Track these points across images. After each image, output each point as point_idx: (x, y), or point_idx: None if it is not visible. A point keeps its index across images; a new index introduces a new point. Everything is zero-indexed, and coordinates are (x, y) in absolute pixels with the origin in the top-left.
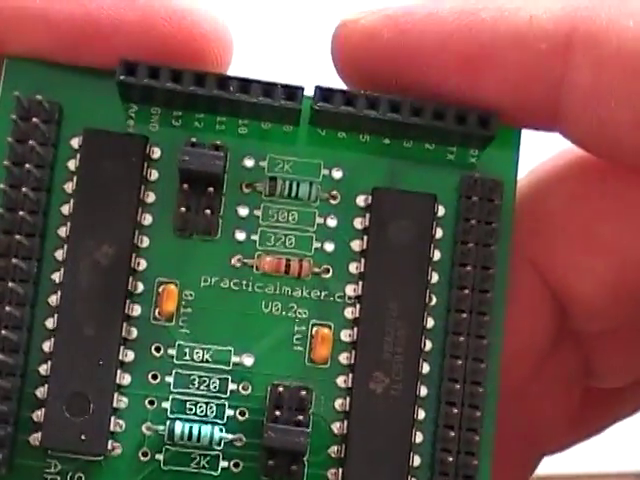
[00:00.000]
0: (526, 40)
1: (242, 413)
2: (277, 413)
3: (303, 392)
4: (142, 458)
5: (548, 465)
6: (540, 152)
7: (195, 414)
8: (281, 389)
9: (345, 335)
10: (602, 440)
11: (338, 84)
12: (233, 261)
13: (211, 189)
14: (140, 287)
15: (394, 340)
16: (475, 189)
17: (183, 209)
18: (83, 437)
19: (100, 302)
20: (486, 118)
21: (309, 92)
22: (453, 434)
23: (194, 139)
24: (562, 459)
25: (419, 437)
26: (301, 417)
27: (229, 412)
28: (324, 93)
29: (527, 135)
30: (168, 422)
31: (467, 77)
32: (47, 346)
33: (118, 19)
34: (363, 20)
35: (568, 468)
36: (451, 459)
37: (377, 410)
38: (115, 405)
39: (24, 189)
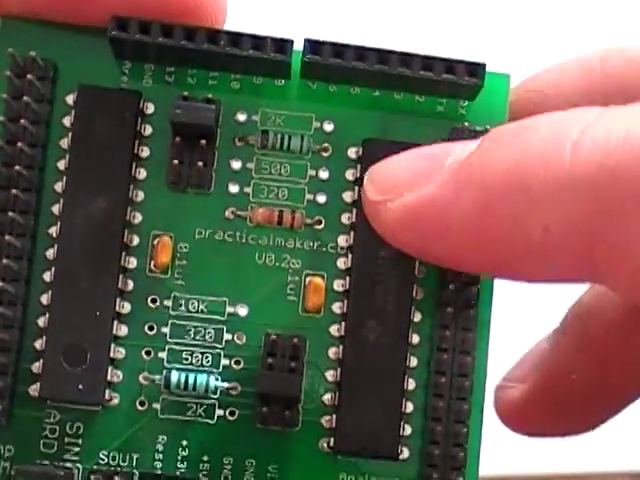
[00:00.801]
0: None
1: (237, 362)
2: (271, 360)
3: (296, 339)
4: (139, 407)
5: (548, 465)
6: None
7: (191, 364)
8: (274, 337)
9: (338, 285)
10: (599, 439)
11: (327, 37)
12: (227, 213)
13: (203, 142)
14: (135, 240)
15: (386, 288)
16: (463, 139)
17: (176, 162)
18: (81, 387)
19: (96, 255)
20: (474, 68)
21: (299, 45)
22: (444, 380)
23: (186, 93)
24: (561, 459)
25: (411, 384)
26: (294, 364)
27: (224, 361)
28: (313, 45)
29: (515, 80)
30: (164, 372)
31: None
32: (45, 299)
33: None
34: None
35: (566, 468)
36: (443, 404)
37: (370, 358)
38: (112, 356)
39: (20, 145)
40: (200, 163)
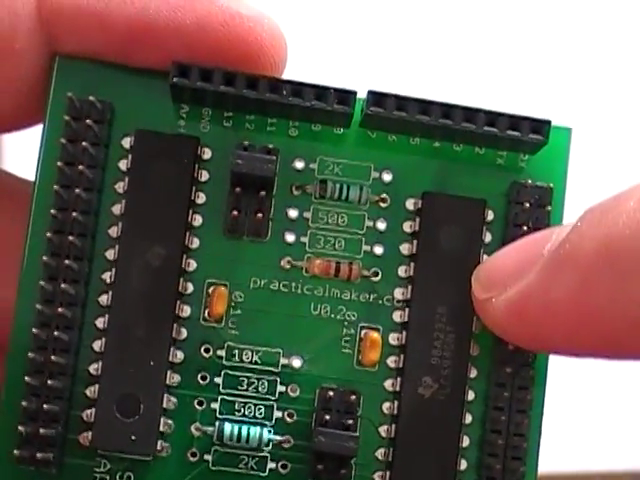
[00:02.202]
0: None
1: (290, 415)
2: (326, 417)
3: (352, 396)
4: (191, 458)
5: (548, 465)
6: (591, 157)
7: (244, 415)
8: (330, 393)
9: (393, 339)
10: (599, 439)
11: (390, 87)
12: (282, 263)
13: (263, 192)
14: (190, 288)
15: (442, 345)
16: (525, 195)
17: (235, 212)
18: (133, 437)
19: (150, 302)
20: (539, 125)
21: (361, 95)
22: (500, 439)
23: (246, 142)
24: (561, 459)
25: (466, 441)
26: (350, 421)
27: (277, 414)
28: (376, 97)
29: (577, 140)
30: (217, 423)
31: None
32: (98, 346)
33: (174, 21)
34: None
35: (567, 468)
36: (498, 464)
37: (425, 414)
38: (165, 405)
39: (76, 190)
40: (259, 214)
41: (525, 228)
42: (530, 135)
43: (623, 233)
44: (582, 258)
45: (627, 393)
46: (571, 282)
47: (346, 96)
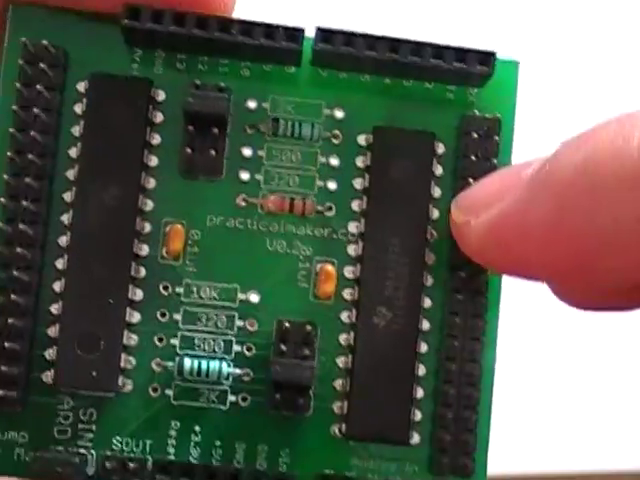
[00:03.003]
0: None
1: (249, 349)
2: (283, 347)
3: (308, 327)
4: (152, 394)
5: (548, 465)
6: (539, 88)
7: (203, 350)
8: (287, 325)
9: (348, 272)
10: (599, 439)
11: (338, 25)
12: (238, 201)
13: (216, 130)
14: (147, 227)
15: (396, 276)
16: (473, 126)
17: (188, 150)
18: (94, 374)
19: (109, 243)
20: (485, 56)
21: (310, 33)
22: (455, 366)
23: (198, 81)
24: (561, 459)
25: (422, 370)
26: (307, 351)
27: (236, 348)
28: (324, 34)
29: (525, 70)
30: (177, 358)
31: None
32: (57, 286)
33: None
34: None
35: (567, 467)
36: (453, 391)
37: (381, 344)
38: (125, 342)
39: (32, 133)
40: (212, 151)
41: (474, 159)
42: (476, 66)
43: (603, 155)
44: (560, 180)
45: (627, 393)
46: (549, 204)
47: (295, 34)
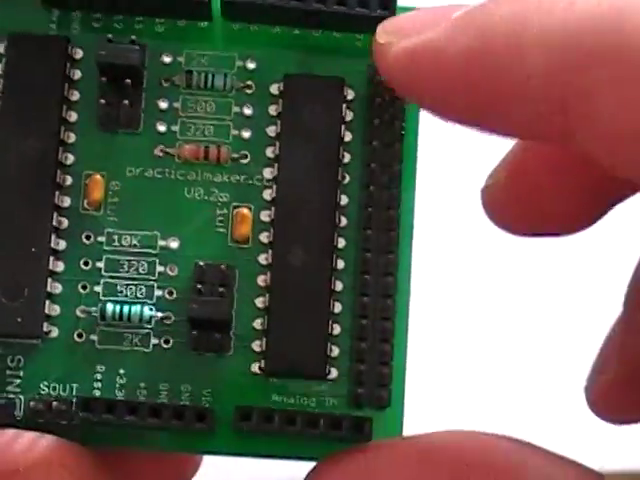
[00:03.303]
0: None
1: (170, 293)
2: (200, 287)
3: (224, 266)
4: (77, 339)
5: None
6: None
7: (126, 296)
8: (203, 265)
9: (264, 215)
10: (598, 438)
11: None
12: (156, 151)
13: (129, 81)
14: (68, 180)
15: (309, 216)
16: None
17: (103, 101)
18: (19, 320)
19: (30, 195)
20: (386, 1)
21: None
22: (369, 301)
23: (110, 36)
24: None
25: (338, 307)
26: (223, 289)
27: (158, 292)
28: None
29: None
30: (100, 304)
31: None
32: None
33: None
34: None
35: None
36: (368, 325)
37: (296, 283)
38: (49, 290)
39: None
40: (128, 105)
41: (381, 101)
42: (378, 11)
43: (533, 12)
44: (485, 25)
45: None
46: (468, 45)
47: None
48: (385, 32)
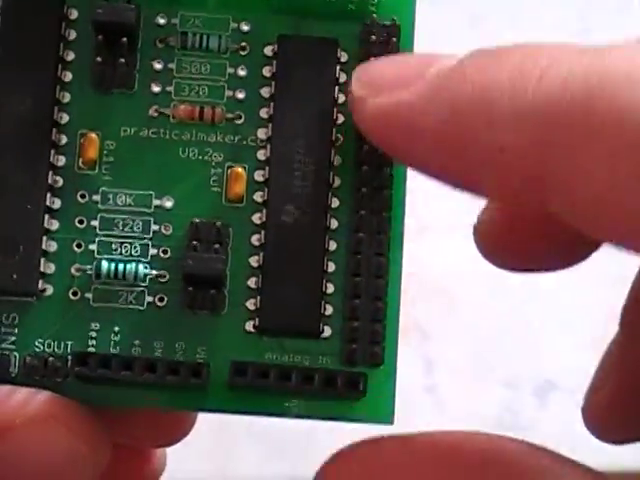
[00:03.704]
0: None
1: (165, 251)
2: (195, 244)
3: (218, 223)
4: (72, 297)
5: None
6: None
7: (120, 254)
8: (198, 222)
9: (258, 175)
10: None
11: None
12: (150, 111)
13: (124, 40)
14: (64, 139)
15: (303, 175)
16: (374, 33)
17: (99, 59)
18: (15, 276)
19: (26, 153)
20: None
21: None
22: (362, 261)
23: None
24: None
25: (331, 266)
26: (218, 246)
27: (152, 251)
28: None
29: None
30: (95, 262)
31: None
32: None
33: None
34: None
35: None
36: (361, 284)
37: (290, 241)
38: (44, 248)
39: None
40: (122, 60)
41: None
42: None
43: (504, 84)
44: (458, 93)
45: None
46: (442, 112)
47: None
48: (360, 83)
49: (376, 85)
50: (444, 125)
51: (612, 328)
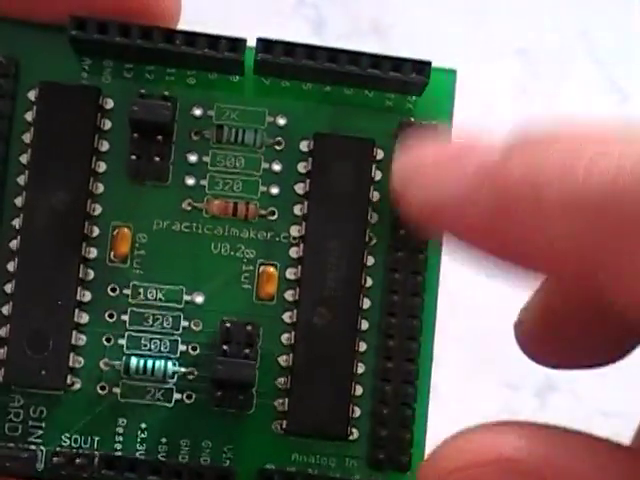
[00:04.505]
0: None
1: (194, 348)
2: (225, 347)
3: (251, 328)
4: (100, 392)
5: None
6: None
7: (149, 350)
8: (230, 325)
9: (290, 273)
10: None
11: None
12: (183, 205)
13: (160, 137)
14: (96, 231)
15: (336, 277)
16: (411, 133)
17: (134, 157)
18: (44, 372)
19: (58, 246)
20: (420, 66)
21: (253, 43)
22: (392, 364)
23: (143, 90)
24: None
25: (361, 368)
26: (248, 351)
27: (182, 347)
28: (265, 44)
29: (490, 62)
30: (124, 357)
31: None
32: (8, 288)
33: None
34: None
35: None
36: (390, 389)
37: (321, 343)
38: (74, 342)
39: None
40: (157, 158)
41: None
42: (412, 75)
43: (551, 173)
44: (504, 183)
45: None
46: (489, 202)
47: (236, 44)
48: (403, 178)
49: (419, 178)
50: (493, 216)
51: None
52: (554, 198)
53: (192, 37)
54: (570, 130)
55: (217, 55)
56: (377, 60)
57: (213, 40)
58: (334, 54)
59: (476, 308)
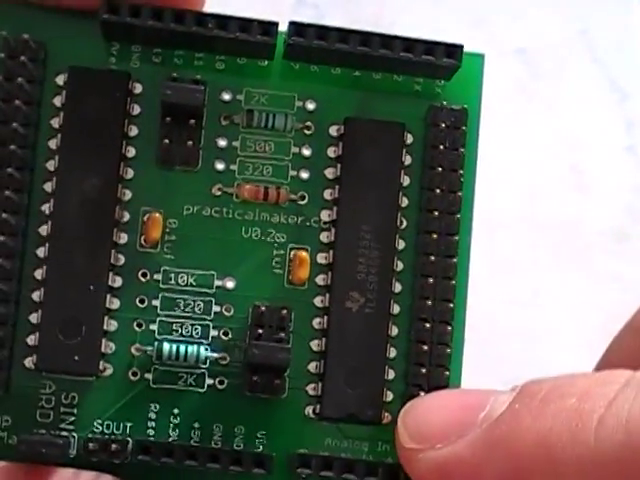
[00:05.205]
0: None
1: (226, 333)
2: (259, 331)
3: (284, 311)
4: (132, 377)
5: None
6: (503, 78)
7: (181, 335)
8: (263, 309)
9: (321, 258)
10: None
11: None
12: (213, 190)
13: (192, 121)
14: (126, 216)
15: (367, 261)
16: (441, 117)
17: (166, 141)
18: (76, 358)
19: (89, 232)
20: (452, 49)
21: (283, 27)
22: (425, 348)
23: (175, 74)
24: None
25: (393, 352)
26: (282, 334)
27: (213, 332)
28: (298, 28)
29: (490, 62)
30: (156, 343)
31: None
32: (39, 274)
33: None
34: None
35: None
36: (423, 372)
37: (353, 327)
38: (105, 328)
39: (14, 124)
40: (189, 142)
41: (442, 148)
42: (444, 59)
43: (563, 434)
44: (518, 445)
45: None
46: (504, 465)
47: (269, 27)
48: (409, 433)
49: (427, 435)
50: (505, 476)
51: (612, 328)
52: (567, 457)
53: (224, 20)
54: (575, 383)
55: (249, 38)
56: (409, 43)
57: (245, 23)
58: (366, 37)
59: (476, 309)
